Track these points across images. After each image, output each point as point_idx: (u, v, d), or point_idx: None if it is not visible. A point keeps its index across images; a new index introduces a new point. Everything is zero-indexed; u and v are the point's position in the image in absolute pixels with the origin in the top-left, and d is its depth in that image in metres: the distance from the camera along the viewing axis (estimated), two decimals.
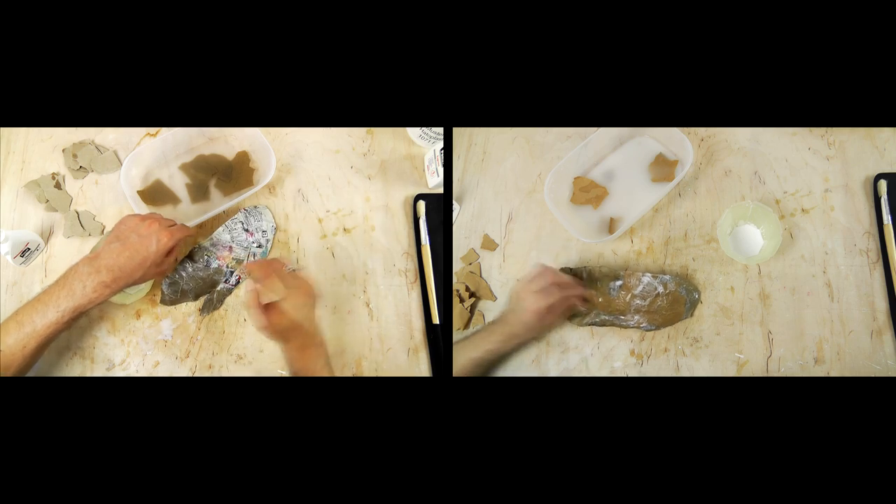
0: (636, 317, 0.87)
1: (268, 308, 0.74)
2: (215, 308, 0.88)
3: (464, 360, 0.83)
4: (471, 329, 0.92)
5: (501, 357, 0.86)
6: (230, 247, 0.88)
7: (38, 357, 0.74)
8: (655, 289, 0.86)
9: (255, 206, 0.93)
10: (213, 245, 0.88)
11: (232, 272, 0.89)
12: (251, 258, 0.90)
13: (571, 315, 0.89)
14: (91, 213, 0.92)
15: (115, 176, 0.94)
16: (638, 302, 0.86)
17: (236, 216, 0.91)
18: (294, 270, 0.86)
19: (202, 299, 0.88)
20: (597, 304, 0.88)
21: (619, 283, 0.87)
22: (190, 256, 0.87)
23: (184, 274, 0.86)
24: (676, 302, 0.86)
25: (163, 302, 0.86)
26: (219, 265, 0.87)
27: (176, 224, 0.80)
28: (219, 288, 0.88)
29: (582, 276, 0.89)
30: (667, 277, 0.86)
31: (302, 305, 0.76)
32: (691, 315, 0.88)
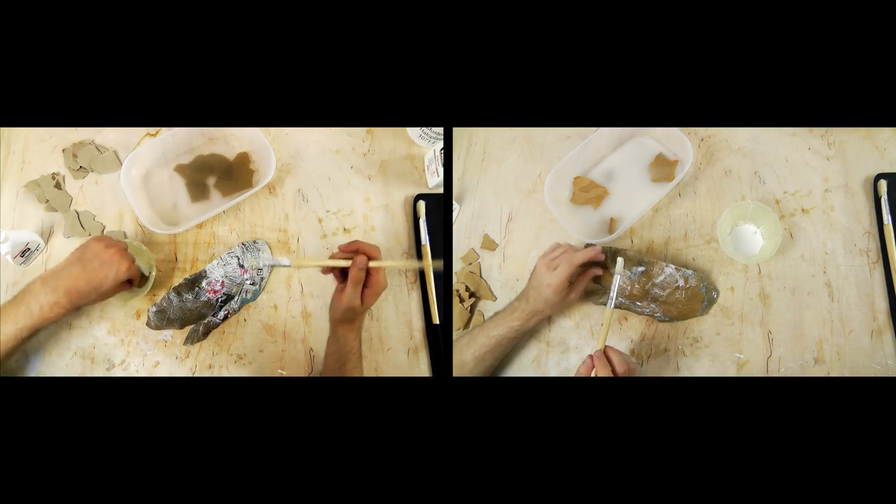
0: (652, 305, 0.87)
1: (365, 291, 0.76)
2: (200, 340, 0.87)
3: (484, 339, 0.83)
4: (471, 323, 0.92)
5: (521, 335, 0.86)
6: (222, 281, 0.87)
7: None
8: (676, 281, 0.85)
9: (255, 242, 0.92)
10: (206, 278, 0.87)
11: (221, 306, 0.88)
12: (244, 295, 0.89)
13: (588, 293, 0.90)
14: (91, 213, 0.92)
15: (115, 176, 0.94)
16: (657, 291, 0.86)
17: (233, 250, 0.90)
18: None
19: (187, 329, 0.87)
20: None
21: (641, 269, 0.87)
22: (180, 287, 0.86)
23: (172, 303, 0.85)
24: (694, 298, 0.86)
25: (148, 326, 0.86)
26: (208, 298, 0.87)
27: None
28: (206, 321, 0.87)
29: (605, 254, 0.89)
30: (689, 272, 0.86)
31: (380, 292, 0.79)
32: (706, 314, 0.87)
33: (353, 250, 0.76)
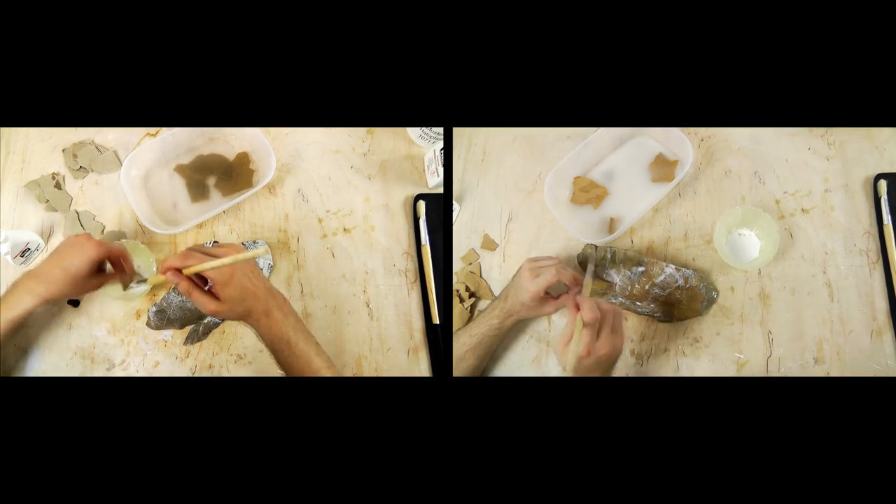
0: (652, 305, 0.87)
1: (214, 287, 0.70)
2: (200, 339, 0.87)
3: (466, 338, 0.84)
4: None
5: (502, 333, 0.86)
6: None
7: None
8: (676, 281, 0.86)
9: (255, 242, 0.92)
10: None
11: None
12: None
13: None
14: (91, 213, 0.92)
15: (115, 176, 0.94)
16: (657, 291, 0.86)
17: None
18: (216, 243, 0.89)
19: (187, 329, 0.87)
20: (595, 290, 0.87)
21: (641, 269, 0.87)
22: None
23: (172, 303, 0.85)
24: (694, 298, 0.86)
25: (148, 326, 0.86)
26: None
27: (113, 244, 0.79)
28: (205, 321, 0.87)
29: (605, 257, 0.89)
30: (689, 272, 0.86)
31: (246, 272, 0.72)
32: (706, 314, 0.87)
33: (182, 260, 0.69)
